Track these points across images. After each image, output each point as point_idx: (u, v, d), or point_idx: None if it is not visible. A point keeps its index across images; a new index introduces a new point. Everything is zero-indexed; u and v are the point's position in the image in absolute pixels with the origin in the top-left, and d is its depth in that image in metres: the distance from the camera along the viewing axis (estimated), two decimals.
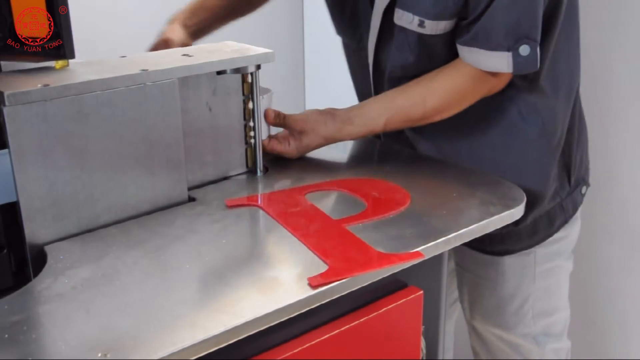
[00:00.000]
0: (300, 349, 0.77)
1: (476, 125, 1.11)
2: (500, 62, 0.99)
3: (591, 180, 1.23)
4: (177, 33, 1.18)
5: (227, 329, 0.66)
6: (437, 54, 1.06)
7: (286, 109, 1.09)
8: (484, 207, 0.92)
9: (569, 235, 1.20)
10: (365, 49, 1.14)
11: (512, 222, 0.92)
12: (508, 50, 0.98)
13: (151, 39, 1.59)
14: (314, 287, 0.72)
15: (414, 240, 0.82)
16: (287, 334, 0.77)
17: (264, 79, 1.03)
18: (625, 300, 1.55)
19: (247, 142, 1.04)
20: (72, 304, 0.70)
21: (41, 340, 0.65)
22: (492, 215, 0.89)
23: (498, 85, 1.05)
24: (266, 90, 1.09)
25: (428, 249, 0.82)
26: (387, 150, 1.16)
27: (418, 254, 0.80)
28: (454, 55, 1.05)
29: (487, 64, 1.00)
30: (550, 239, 1.17)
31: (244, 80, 1.01)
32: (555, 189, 1.14)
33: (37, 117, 0.80)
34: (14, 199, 0.82)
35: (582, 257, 1.33)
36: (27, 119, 0.79)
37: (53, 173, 0.82)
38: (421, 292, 0.87)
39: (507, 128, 1.10)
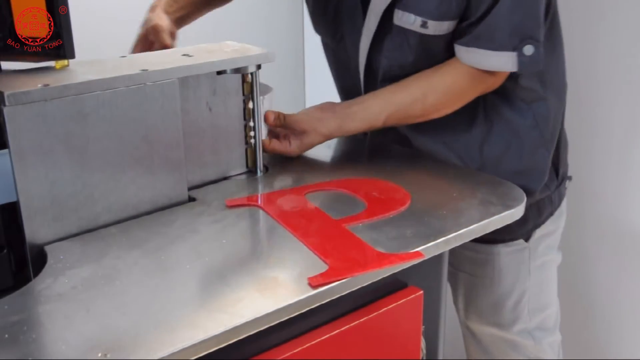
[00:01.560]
0: (300, 349, 0.77)
1: (469, 119, 1.11)
2: (505, 62, 1.00)
3: (573, 175, 1.26)
4: (164, 19, 1.18)
5: (227, 329, 0.66)
6: (436, 54, 1.06)
7: (286, 108, 1.09)
8: (484, 207, 0.92)
9: (558, 227, 1.23)
10: (345, 49, 1.15)
11: (512, 221, 0.92)
12: (513, 50, 0.99)
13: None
14: (314, 287, 0.72)
15: (414, 240, 0.82)
16: (287, 334, 0.77)
17: (264, 79, 1.03)
18: (618, 297, 1.56)
19: (247, 142, 1.04)
20: (72, 304, 0.70)
21: (41, 340, 0.65)
22: (492, 215, 0.89)
23: (495, 83, 1.06)
24: (267, 89, 1.09)
25: (428, 249, 0.82)
26: (387, 150, 1.16)
27: (418, 254, 0.80)
28: (451, 54, 1.05)
29: (490, 64, 1.01)
30: (541, 232, 1.19)
31: (244, 80, 1.01)
32: (546, 182, 1.16)
33: (37, 117, 0.80)
34: (14, 199, 0.82)
35: (573, 253, 1.38)
36: (27, 119, 0.79)
37: (53, 173, 0.82)
38: (421, 292, 0.87)
39: (499, 120, 1.11)
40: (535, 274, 1.20)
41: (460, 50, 1.03)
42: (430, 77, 1.06)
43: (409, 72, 1.07)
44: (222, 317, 0.67)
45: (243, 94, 1.02)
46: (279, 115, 1.06)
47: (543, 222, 1.20)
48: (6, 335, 0.65)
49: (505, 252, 1.18)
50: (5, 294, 0.73)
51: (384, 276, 0.78)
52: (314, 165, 1.10)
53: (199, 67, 0.93)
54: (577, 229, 1.47)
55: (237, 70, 0.98)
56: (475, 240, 1.14)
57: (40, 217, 0.83)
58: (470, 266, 1.23)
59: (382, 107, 1.06)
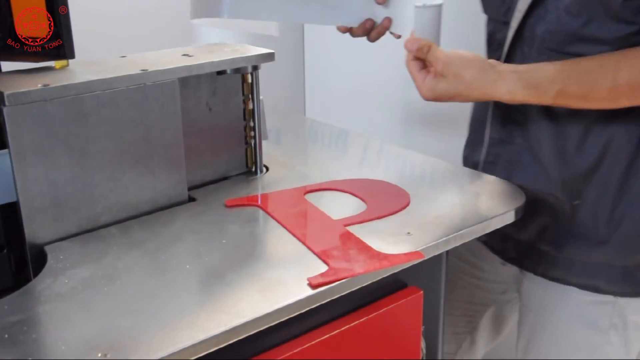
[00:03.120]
0: (300, 349, 0.77)
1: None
2: None
3: None
4: None
5: (227, 329, 0.66)
6: (603, 24, 0.86)
7: (286, 109, 1.09)
8: (484, 207, 0.92)
9: None
10: (509, 23, 0.96)
11: (512, 222, 0.91)
12: None
13: (151, 39, 1.59)
14: (314, 287, 0.72)
15: (414, 240, 0.82)
16: (287, 334, 0.77)
17: (264, 79, 1.03)
18: None
19: (247, 142, 1.04)
20: (72, 304, 0.70)
21: (41, 340, 0.65)
22: (492, 215, 0.89)
23: None
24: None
25: (428, 249, 0.82)
26: (387, 151, 1.16)
27: (418, 254, 0.80)
28: (628, 35, 0.86)
29: None
30: None
31: (244, 80, 1.01)
32: None
33: (37, 117, 0.80)
34: (14, 199, 0.82)
35: None
36: (27, 119, 0.79)
37: (53, 173, 0.82)
38: (421, 292, 0.87)
39: None
40: (614, 332, 0.98)
41: None
42: (625, 51, 0.84)
43: (570, 48, 0.88)
44: (222, 317, 0.67)
45: (243, 94, 1.02)
46: (422, 47, 0.90)
47: None
48: (6, 335, 0.65)
49: (581, 300, 0.98)
50: (5, 294, 0.73)
51: (384, 276, 0.78)
52: (314, 165, 1.10)
53: (199, 67, 0.93)
54: None
55: (237, 70, 0.98)
56: (547, 276, 1.01)
57: (40, 217, 0.82)
58: (538, 306, 1.04)
59: (556, 74, 0.85)
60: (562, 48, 0.89)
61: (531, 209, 0.93)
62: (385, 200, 0.94)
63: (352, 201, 0.94)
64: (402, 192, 0.96)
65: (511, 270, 1.11)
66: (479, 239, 1.06)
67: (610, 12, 0.85)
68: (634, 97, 0.84)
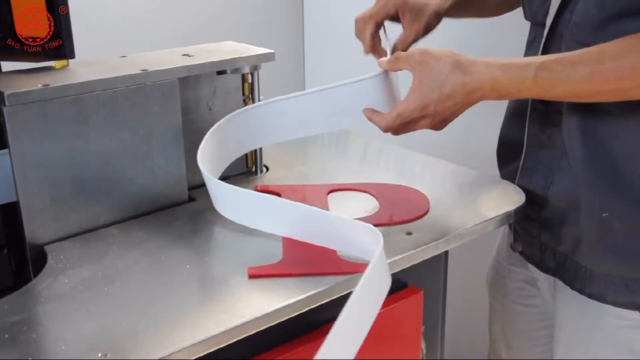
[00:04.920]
0: (300, 348, 0.77)
1: None
2: None
3: None
4: None
5: (227, 329, 0.66)
6: (628, 16, 0.79)
7: None
8: (483, 207, 0.92)
9: None
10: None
11: (509, 222, 0.90)
12: None
13: (151, 39, 1.59)
14: (250, 276, 0.73)
15: (414, 240, 0.82)
16: (287, 334, 0.77)
17: (264, 79, 1.03)
18: None
19: None
20: (72, 304, 0.70)
21: (41, 340, 0.65)
22: (492, 215, 0.89)
23: None
24: None
25: (428, 249, 0.82)
26: (387, 150, 1.16)
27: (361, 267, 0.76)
28: None
29: None
30: None
31: (244, 80, 1.01)
32: None
33: (37, 117, 0.80)
34: (14, 199, 0.82)
35: None
36: (27, 119, 0.79)
37: (53, 173, 0.82)
38: (421, 292, 0.87)
39: None
40: None
41: None
42: (618, 40, 0.78)
43: (596, 40, 0.81)
44: (222, 317, 0.67)
45: (243, 94, 1.02)
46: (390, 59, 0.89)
47: None
48: (6, 335, 0.65)
49: (615, 324, 0.91)
50: (5, 294, 0.73)
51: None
52: (314, 165, 1.10)
53: (199, 67, 0.93)
54: None
55: (237, 70, 0.98)
56: (584, 293, 0.93)
57: (40, 217, 0.83)
58: (571, 329, 0.97)
59: (534, 58, 0.82)
60: (588, 40, 0.82)
61: (566, 219, 0.89)
62: (401, 207, 0.90)
63: (366, 204, 0.93)
64: (423, 199, 0.93)
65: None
66: (514, 247, 1.02)
67: (636, 3, 0.78)
68: (619, 85, 0.77)
